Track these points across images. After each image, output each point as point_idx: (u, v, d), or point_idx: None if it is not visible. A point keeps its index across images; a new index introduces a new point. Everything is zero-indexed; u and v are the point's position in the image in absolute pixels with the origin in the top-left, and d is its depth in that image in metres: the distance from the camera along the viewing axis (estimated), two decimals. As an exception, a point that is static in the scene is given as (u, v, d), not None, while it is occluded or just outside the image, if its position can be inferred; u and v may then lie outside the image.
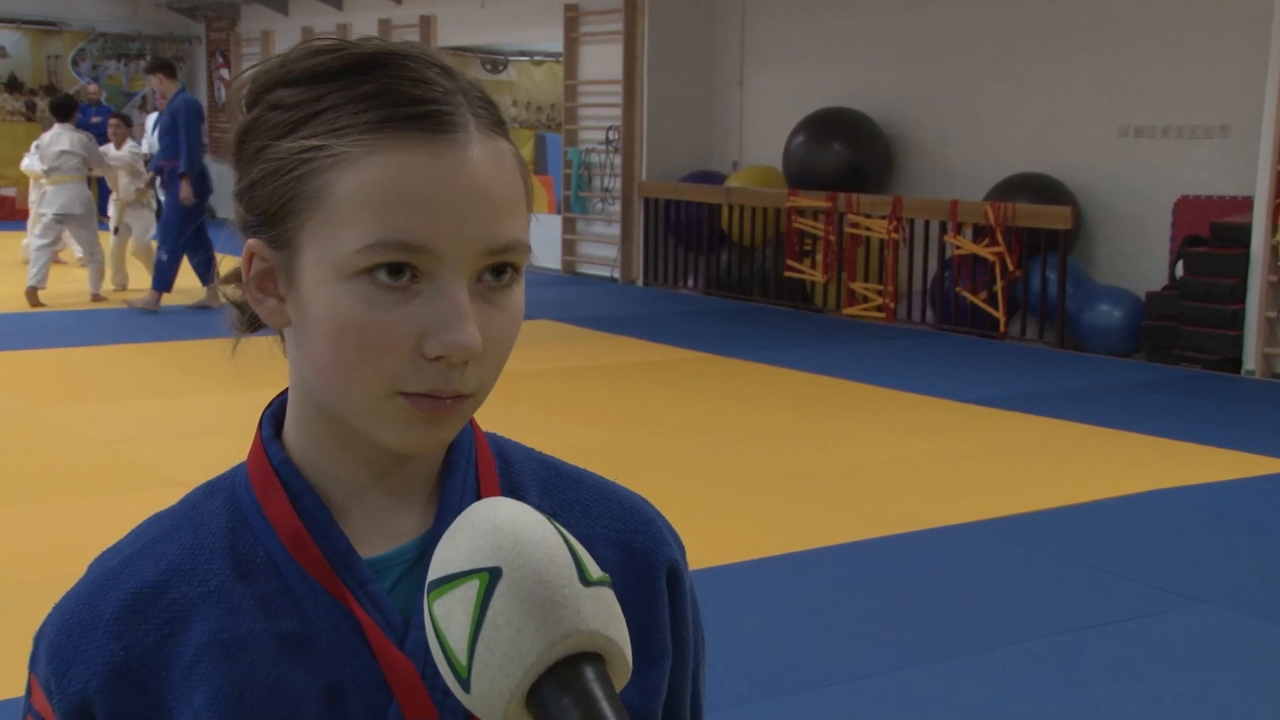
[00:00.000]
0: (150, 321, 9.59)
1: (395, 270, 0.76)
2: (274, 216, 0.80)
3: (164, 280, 9.87)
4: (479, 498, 0.87)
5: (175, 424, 6.29)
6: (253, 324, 0.89)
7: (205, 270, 9.59)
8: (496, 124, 0.81)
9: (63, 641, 0.83)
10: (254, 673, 0.81)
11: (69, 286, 11.08)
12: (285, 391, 0.88)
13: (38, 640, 0.85)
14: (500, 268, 0.79)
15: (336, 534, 0.83)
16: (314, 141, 0.78)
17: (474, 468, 0.88)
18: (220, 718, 0.80)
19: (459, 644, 0.69)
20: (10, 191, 17.52)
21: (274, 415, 0.88)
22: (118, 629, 0.82)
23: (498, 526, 0.71)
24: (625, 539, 0.91)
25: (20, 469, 5.54)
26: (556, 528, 0.72)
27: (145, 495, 5.09)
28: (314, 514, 0.84)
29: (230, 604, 0.82)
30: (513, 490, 0.90)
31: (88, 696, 0.81)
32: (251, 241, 0.82)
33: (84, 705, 0.82)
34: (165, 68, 10.26)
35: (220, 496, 0.87)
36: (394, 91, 0.78)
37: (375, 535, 0.85)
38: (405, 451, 0.81)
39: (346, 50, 0.79)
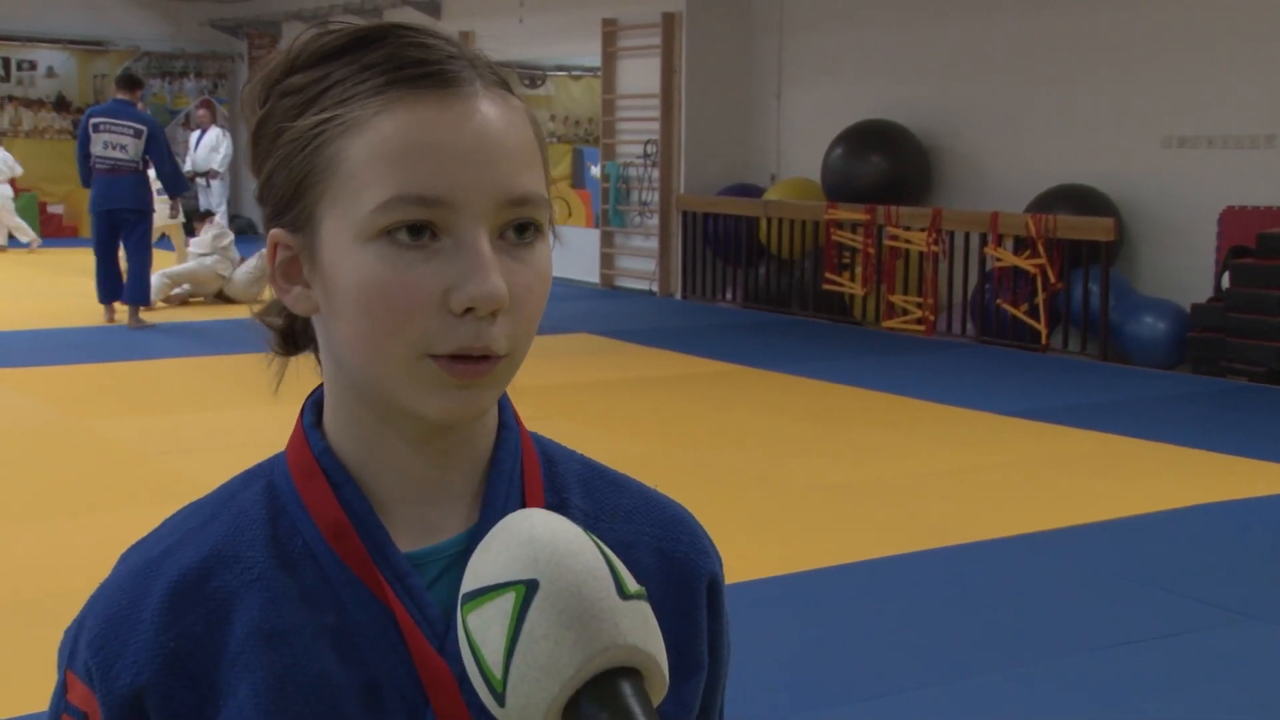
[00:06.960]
0: (191, 335, 9.67)
1: (414, 230, 0.76)
2: (292, 197, 0.80)
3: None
4: (523, 497, 0.86)
5: (218, 437, 6.33)
6: (287, 345, 0.89)
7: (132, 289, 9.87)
8: (506, 86, 0.81)
9: (109, 634, 0.81)
10: (296, 666, 0.80)
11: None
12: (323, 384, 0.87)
13: (74, 635, 0.83)
14: (522, 225, 0.79)
15: (375, 525, 0.82)
16: (324, 115, 0.78)
17: (519, 467, 0.87)
18: (262, 710, 0.79)
19: (494, 657, 0.68)
20: (59, 209, 17.73)
21: (316, 404, 0.87)
22: (165, 619, 0.80)
23: (535, 538, 0.69)
24: (667, 547, 0.89)
25: (63, 482, 5.59)
26: (594, 540, 0.71)
27: (187, 508, 5.12)
28: (354, 505, 0.83)
29: (272, 593, 0.81)
30: (556, 491, 0.88)
31: (139, 688, 0.80)
32: (274, 232, 0.82)
33: (134, 698, 0.80)
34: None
35: (258, 485, 0.86)
36: (398, 56, 0.78)
37: (417, 529, 0.83)
38: (443, 420, 0.80)
39: (351, 28, 0.80)
